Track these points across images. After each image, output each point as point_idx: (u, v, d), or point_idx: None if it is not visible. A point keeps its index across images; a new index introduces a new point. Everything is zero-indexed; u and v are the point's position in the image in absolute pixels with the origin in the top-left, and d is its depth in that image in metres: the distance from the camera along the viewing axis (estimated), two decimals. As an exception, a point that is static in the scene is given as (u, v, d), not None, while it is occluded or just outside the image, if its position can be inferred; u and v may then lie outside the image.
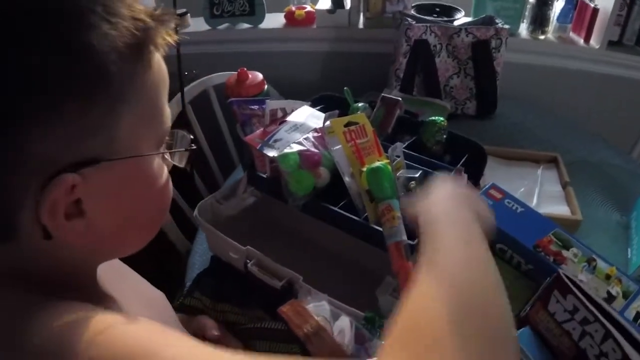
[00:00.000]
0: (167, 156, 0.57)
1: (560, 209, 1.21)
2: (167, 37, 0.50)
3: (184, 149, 0.61)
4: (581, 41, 1.78)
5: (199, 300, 0.98)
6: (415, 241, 0.88)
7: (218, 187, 1.56)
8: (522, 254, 0.93)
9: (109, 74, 0.44)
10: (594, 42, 1.76)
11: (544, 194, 1.28)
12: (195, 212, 1.05)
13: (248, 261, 0.94)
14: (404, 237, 0.82)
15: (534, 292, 0.85)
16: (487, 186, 1.02)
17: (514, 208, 0.99)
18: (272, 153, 0.94)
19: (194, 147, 0.61)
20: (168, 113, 0.54)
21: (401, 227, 0.83)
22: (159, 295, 0.80)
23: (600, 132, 1.62)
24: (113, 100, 0.45)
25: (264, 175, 1.05)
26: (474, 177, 1.08)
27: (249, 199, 1.16)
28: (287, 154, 0.94)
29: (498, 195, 1.00)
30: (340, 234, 0.96)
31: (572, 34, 1.81)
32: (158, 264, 1.41)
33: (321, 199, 0.98)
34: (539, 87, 1.84)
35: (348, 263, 1.05)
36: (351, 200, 0.95)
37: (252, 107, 1.12)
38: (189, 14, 1.99)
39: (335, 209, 0.95)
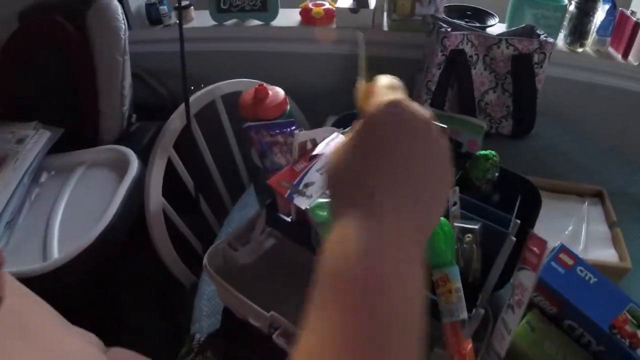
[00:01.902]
0: None
1: (608, 254, 1.08)
2: None
3: None
4: (619, 57, 1.63)
5: None
6: (473, 312, 0.75)
7: (225, 209, 1.41)
8: (594, 334, 0.80)
9: None
10: (632, 58, 1.61)
11: (590, 235, 1.14)
12: (205, 260, 0.90)
13: (273, 330, 0.80)
14: (463, 315, 0.68)
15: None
16: (556, 249, 0.87)
17: (587, 278, 0.85)
18: (304, 204, 0.78)
19: None
20: None
21: (460, 303, 0.68)
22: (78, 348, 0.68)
23: (636, 156, 1.49)
24: None
25: (288, 219, 0.89)
26: (528, 223, 0.93)
27: (267, 241, 1.01)
28: (321, 204, 0.78)
29: (569, 262, 0.86)
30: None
31: (610, 49, 1.66)
32: (160, 298, 1.29)
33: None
34: (573, 103, 1.70)
35: None
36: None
37: (273, 132, 0.96)
38: (192, 7, 1.82)
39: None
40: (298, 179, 0.83)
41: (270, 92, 1.09)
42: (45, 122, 1.55)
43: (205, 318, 0.97)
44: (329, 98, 1.15)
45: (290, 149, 0.93)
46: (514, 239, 0.84)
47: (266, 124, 0.97)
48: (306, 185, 0.82)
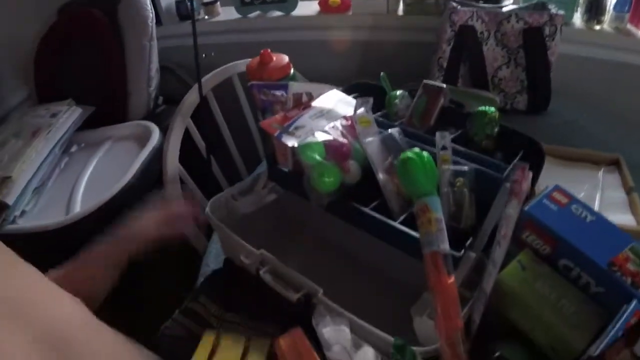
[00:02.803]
0: None
1: (624, 219, 1.05)
2: None
3: None
4: (639, 33, 1.60)
5: (203, 306, 0.90)
6: (462, 252, 0.75)
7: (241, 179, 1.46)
8: (592, 273, 0.74)
9: None
10: (652, 34, 1.57)
11: (605, 201, 1.11)
12: (207, 208, 0.94)
13: (261, 267, 0.82)
14: (444, 245, 0.68)
15: (606, 321, 0.68)
16: (549, 188, 0.84)
17: (582, 216, 0.80)
18: (291, 142, 0.81)
19: None
20: None
21: (440, 233, 0.69)
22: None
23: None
24: None
25: (286, 170, 0.92)
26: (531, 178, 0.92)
27: (269, 196, 1.04)
28: (309, 144, 0.82)
29: (563, 200, 0.82)
30: (372, 239, 0.83)
31: (629, 25, 1.63)
32: (174, 263, 1.33)
33: (350, 198, 0.84)
34: (594, 82, 1.66)
35: (379, 275, 0.91)
36: (385, 201, 0.82)
37: (275, 92, 1.00)
38: (218, 2, 1.91)
39: (366, 209, 0.82)
40: (290, 122, 0.86)
41: (274, 57, 1.14)
42: (79, 102, 1.66)
43: (209, 272, 1.01)
44: (344, 81, 1.20)
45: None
46: (509, 186, 0.81)
47: (268, 83, 1.01)
48: (296, 128, 0.84)
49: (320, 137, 0.83)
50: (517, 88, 1.48)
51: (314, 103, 0.92)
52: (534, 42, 1.42)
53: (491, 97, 1.37)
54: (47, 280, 0.68)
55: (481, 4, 1.53)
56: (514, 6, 1.61)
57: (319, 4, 1.78)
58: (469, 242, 0.79)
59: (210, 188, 1.42)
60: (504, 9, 1.55)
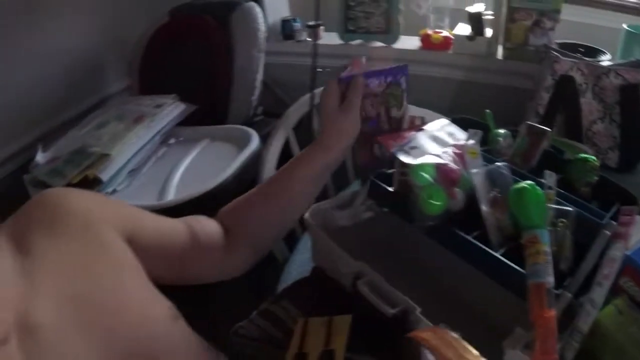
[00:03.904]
0: None
1: None
2: None
3: None
4: None
5: (284, 310, 0.90)
6: (559, 291, 0.75)
7: (328, 197, 1.49)
8: None
9: None
10: None
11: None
12: (307, 214, 0.96)
13: (358, 279, 0.83)
14: (549, 279, 0.70)
15: None
16: None
17: None
18: (407, 159, 0.83)
19: None
20: None
21: (547, 266, 0.71)
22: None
23: None
24: None
25: (390, 189, 0.95)
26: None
27: (366, 214, 1.06)
28: (423, 165, 0.84)
29: None
30: (466, 269, 0.83)
31: None
32: (252, 269, 1.36)
33: (451, 224, 0.85)
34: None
35: (470, 306, 0.89)
36: (485, 233, 0.83)
37: (371, 80, 0.94)
38: (322, 27, 1.98)
39: (468, 237, 0.83)
40: (405, 141, 0.89)
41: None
42: (180, 100, 1.75)
43: (292, 280, 1.02)
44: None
45: (382, 101, 0.96)
46: (608, 233, 0.82)
47: (366, 72, 0.94)
48: (411, 148, 0.87)
49: (433, 160, 0.85)
50: (610, 144, 1.47)
51: (426, 127, 0.95)
52: (630, 99, 1.41)
53: (584, 149, 1.36)
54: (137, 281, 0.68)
55: (581, 56, 1.54)
56: (611, 62, 1.62)
57: (421, 39, 1.83)
58: (566, 282, 0.79)
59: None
60: (603, 63, 1.56)
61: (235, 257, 0.89)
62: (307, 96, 1.45)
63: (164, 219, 0.80)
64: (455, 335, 0.60)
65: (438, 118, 1.01)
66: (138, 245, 0.70)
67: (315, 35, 1.46)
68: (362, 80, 0.90)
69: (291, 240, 1.33)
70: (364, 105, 0.92)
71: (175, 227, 0.81)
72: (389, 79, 0.95)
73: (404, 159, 0.84)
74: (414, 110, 0.96)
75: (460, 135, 0.96)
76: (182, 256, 0.79)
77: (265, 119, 1.89)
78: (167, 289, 0.69)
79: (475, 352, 0.57)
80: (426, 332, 0.60)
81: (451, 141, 0.93)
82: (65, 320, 0.54)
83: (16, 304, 0.51)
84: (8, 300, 0.51)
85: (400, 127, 0.96)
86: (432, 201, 0.83)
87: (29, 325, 0.51)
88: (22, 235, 0.58)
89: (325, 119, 0.90)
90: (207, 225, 0.88)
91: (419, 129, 0.94)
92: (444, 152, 0.89)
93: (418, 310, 0.75)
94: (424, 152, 0.87)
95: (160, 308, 0.67)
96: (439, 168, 0.85)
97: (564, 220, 0.84)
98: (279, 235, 0.98)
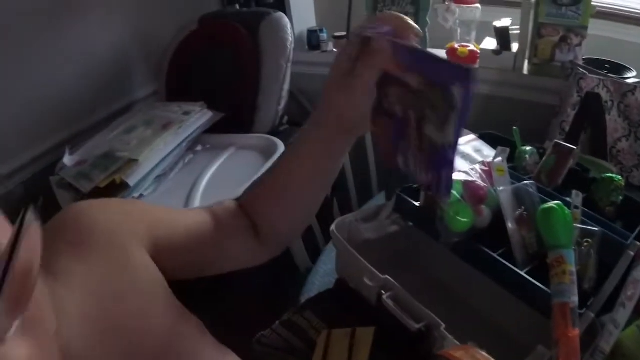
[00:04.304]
0: None
1: None
2: None
3: None
4: None
5: (307, 322, 0.91)
6: (583, 310, 0.76)
7: (351, 210, 1.51)
8: None
9: None
10: None
11: None
12: (333, 227, 0.97)
13: (383, 292, 0.83)
14: (574, 298, 0.70)
15: None
16: None
17: None
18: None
19: None
20: None
21: (572, 286, 0.71)
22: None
23: None
24: None
25: (416, 204, 0.95)
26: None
27: (391, 227, 1.06)
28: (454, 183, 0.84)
29: None
30: (489, 287, 0.84)
31: None
32: (274, 277, 1.37)
33: (476, 241, 0.86)
34: None
35: (492, 323, 0.89)
36: (509, 251, 0.84)
37: (408, 59, 0.61)
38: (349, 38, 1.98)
39: (494, 255, 0.84)
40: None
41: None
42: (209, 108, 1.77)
43: (315, 291, 1.04)
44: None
45: (414, 104, 0.64)
46: (632, 253, 0.83)
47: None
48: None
49: (461, 176, 0.86)
50: (634, 162, 1.47)
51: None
52: (656, 118, 1.41)
53: (609, 167, 1.37)
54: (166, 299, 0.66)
55: (607, 73, 1.54)
56: (637, 79, 1.61)
57: (447, 53, 1.83)
58: (589, 301, 0.79)
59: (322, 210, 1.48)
60: (629, 80, 1.55)
61: (259, 244, 0.81)
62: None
63: (192, 215, 0.77)
64: (485, 354, 0.59)
65: (465, 134, 1.02)
66: (166, 249, 0.68)
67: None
68: (386, 46, 0.58)
69: (314, 251, 1.34)
70: (388, 93, 0.64)
71: (204, 221, 0.76)
72: (435, 78, 0.57)
73: (430, 176, 0.85)
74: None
75: (487, 152, 0.97)
76: (208, 250, 0.76)
77: (290, 128, 1.91)
78: (189, 303, 0.70)
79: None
80: (458, 351, 0.60)
81: (479, 158, 0.94)
82: (94, 346, 0.54)
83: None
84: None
85: (434, 156, 0.60)
86: (459, 218, 0.84)
87: (69, 354, 0.50)
88: (49, 256, 0.56)
89: (324, 86, 0.68)
90: (231, 212, 0.81)
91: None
92: (471, 169, 0.90)
93: (442, 326, 0.75)
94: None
95: (188, 325, 0.66)
96: (467, 185, 0.86)
97: (589, 240, 0.85)
98: (300, 225, 0.85)
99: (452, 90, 0.55)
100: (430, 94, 0.58)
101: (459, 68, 0.55)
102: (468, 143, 0.98)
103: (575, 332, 0.68)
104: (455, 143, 0.57)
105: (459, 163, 0.91)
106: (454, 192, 0.85)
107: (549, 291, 0.73)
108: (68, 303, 0.54)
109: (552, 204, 0.78)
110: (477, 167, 0.91)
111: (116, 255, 0.61)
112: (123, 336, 0.56)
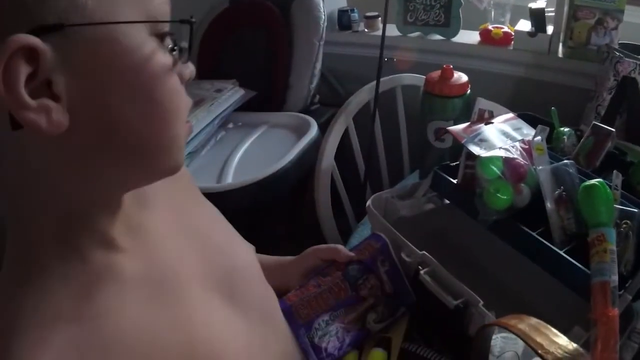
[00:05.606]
0: (166, 43, 0.45)
1: None
2: None
3: (178, 21, 0.47)
4: None
5: None
6: (621, 292, 0.75)
7: (382, 189, 1.51)
8: None
9: None
10: None
11: None
12: (369, 202, 0.98)
13: (420, 268, 0.83)
14: (614, 277, 0.70)
15: None
16: None
17: None
18: (478, 151, 0.84)
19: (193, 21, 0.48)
20: None
21: (613, 265, 0.71)
22: (226, 240, 0.72)
23: None
24: None
25: (454, 181, 0.95)
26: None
27: (427, 205, 1.07)
28: (491, 157, 0.85)
29: None
30: (526, 267, 0.84)
31: None
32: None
33: (515, 220, 0.86)
34: None
35: (527, 303, 0.88)
36: (547, 231, 0.83)
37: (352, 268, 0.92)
38: (380, 18, 1.98)
39: (533, 234, 0.83)
40: (474, 133, 0.89)
41: (455, 74, 1.19)
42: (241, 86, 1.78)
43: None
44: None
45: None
46: None
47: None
48: (481, 140, 0.88)
49: (502, 153, 0.85)
50: (670, 148, 1.43)
51: (495, 120, 0.95)
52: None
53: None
54: (228, 225, 0.73)
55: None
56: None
57: (481, 34, 1.81)
58: (628, 284, 0.79)
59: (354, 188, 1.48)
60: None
61: None
62: (368, 86, 1.46)
63: None
64: (541, 321, 0.59)
65: (505, 112, 1.01)
66: None
67: (383, 27, 1.46)
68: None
69: (347, 233, 1.35)
70: (369, 278, 0.85)
71: None
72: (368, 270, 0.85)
73: (475, 149, 0.85)
74: (483, 103, 0.96)
75: (527, 131, 0.96)
76: None
77: (322, 107, 1.92)
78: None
79: (564, 337, 0.57)
80: (512, 319, 0.60)
81: (519, 136, 0.93)
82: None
83: None
84: None
85: (358, 335, 0.81)
86: (499, 195, 0.84)
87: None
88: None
89: (303, 256, 0.92)
90: None
91: (488, 122, 0.95)
92: (512, 146, 0.89)
93: (480, 303, 0.75)
94: (492, 146, 0.87)
95: (243, 243, 0.74)
96: (508, 162, 0.85)
97: (627, 222, 0.83)
98: None
99: (378, 265, 0.84)
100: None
101: (375, 238, 0.88)
102: (507, 121, 0.97)
103: (615, 312, 0.67)
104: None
105: (500, 140, 0.90)
106: (495, 168, 0.84)
107: (588, 271, 0.73)
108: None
109: (594, 181, 0.77)
110: (518, 144, 0.90)
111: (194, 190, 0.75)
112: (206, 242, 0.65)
